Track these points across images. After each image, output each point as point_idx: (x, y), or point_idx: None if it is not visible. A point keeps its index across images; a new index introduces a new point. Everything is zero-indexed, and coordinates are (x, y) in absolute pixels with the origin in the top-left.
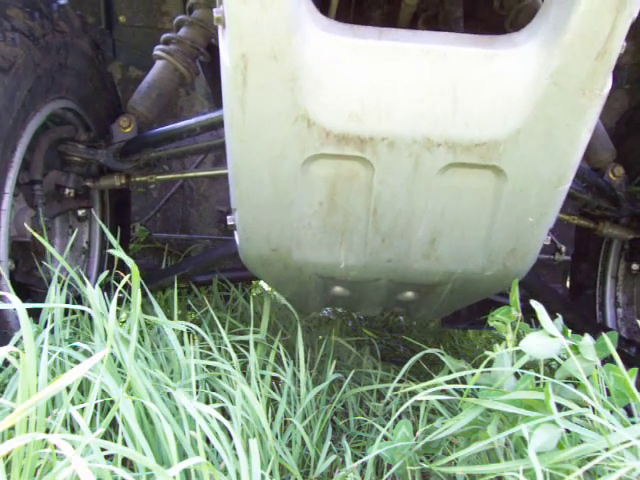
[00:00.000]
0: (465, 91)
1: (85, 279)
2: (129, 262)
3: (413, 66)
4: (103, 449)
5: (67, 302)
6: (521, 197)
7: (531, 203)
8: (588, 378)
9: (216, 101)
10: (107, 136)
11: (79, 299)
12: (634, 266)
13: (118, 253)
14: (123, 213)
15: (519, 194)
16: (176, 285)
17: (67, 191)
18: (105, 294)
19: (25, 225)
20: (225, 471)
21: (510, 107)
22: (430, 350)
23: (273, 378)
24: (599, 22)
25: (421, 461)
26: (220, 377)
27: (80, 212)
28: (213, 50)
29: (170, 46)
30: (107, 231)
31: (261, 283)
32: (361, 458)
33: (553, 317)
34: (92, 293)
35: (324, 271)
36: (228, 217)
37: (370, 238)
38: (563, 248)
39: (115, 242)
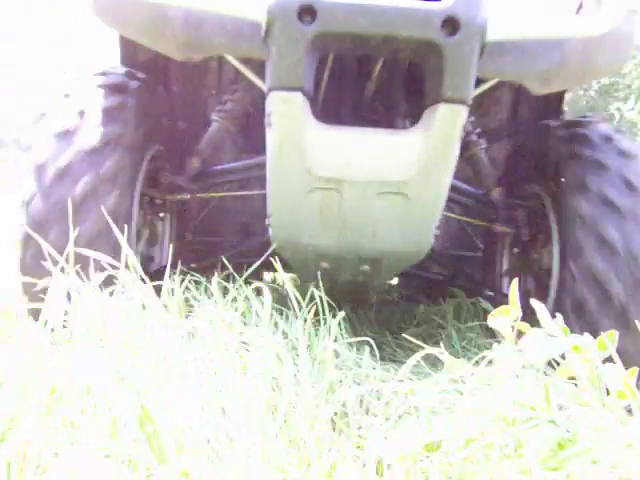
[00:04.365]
0: (387, 156)
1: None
2: (132, 258)
3: (362, 144)
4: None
5: None
6: (418, 208)
7: (425, 210)
8: (588, 378)
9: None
10: (183, 169)
11: None
12: (514, 250)
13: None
14: (183, 220)
15: (417, 206)
16: (180, 280)
17: (157, 201)
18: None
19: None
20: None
21: (409, 163)
22: (430, 350)
23: (273, 378)
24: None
25: (421, 461)
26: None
27: (161, 214)
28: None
29: (221, 113)
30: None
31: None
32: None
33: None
34: (90, 293)
35: (317, 250)
36: (266, 219)
37: (341, 231)
38: (482, 246)
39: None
